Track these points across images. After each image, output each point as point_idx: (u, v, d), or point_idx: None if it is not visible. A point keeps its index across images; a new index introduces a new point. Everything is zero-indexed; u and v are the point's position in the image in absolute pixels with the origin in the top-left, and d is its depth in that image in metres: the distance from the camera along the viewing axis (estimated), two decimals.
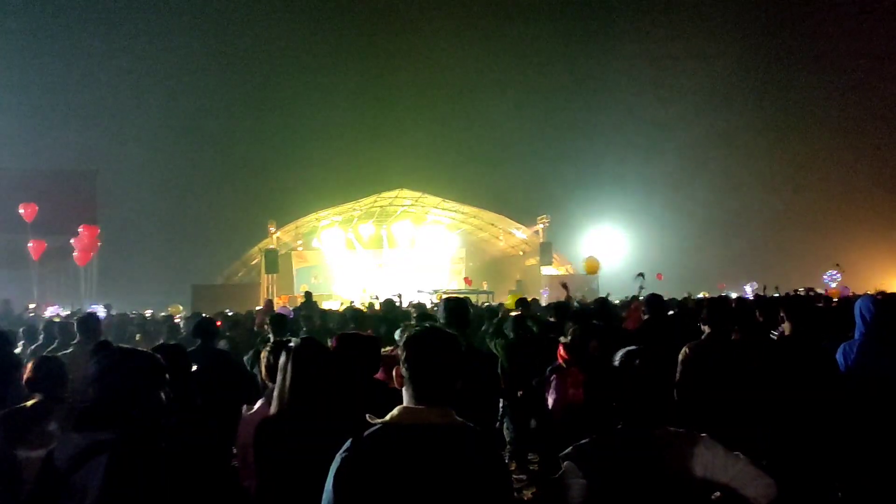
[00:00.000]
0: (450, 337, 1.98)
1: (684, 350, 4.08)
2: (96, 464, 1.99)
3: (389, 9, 27.76)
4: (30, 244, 17.73)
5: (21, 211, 17.92)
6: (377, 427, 1.82)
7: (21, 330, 7.08)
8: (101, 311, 12.63)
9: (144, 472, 2.03)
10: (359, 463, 1.76)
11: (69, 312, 13.91)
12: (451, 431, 1.82)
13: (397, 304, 13.00)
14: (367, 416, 1.86)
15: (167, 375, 2.30)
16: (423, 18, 27.96)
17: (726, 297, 8.22)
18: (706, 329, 4.20)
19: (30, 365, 3.37)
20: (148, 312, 15.17)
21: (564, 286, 8.89)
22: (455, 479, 1.74)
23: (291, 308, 11.63)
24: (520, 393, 5.41)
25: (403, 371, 1.89)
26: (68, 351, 5.16)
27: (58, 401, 3.24)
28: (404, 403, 1.87)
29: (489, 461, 1.82)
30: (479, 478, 1.77)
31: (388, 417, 1.84)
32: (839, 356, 3.80)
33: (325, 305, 15.52)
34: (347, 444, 1.81)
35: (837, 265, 23.30)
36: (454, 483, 1.74)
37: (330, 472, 1.79)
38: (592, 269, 8.52)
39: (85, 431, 2.08)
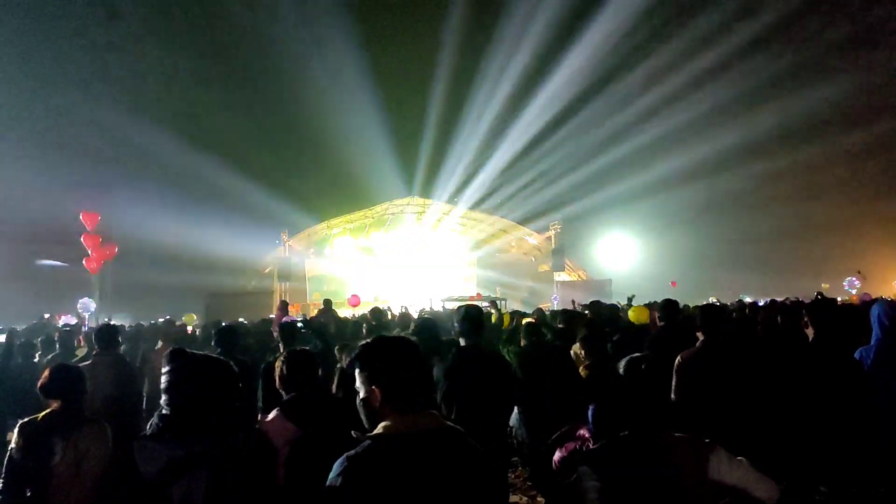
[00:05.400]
0: (409, 341, 1.95)
1: (678, 358, 4.06)
2: (197, 477, 1.96)
3: (400, 16, 27.92)
4: (90, 252, 17.88)
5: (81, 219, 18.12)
6: (369, 442, 1.74)
7: (38, 340, 7.16)
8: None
9: (239, 483, 2.04)
10: (362, 477, 1.68)
11: (74, 322, 14.05)
12: (446, 433, 1.81)
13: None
14: (351, 432, 1.78)
15: (240, 384, 2.26)
16: (433, 24, 28.08)
17: (718, 304, 8.18)
18: (700, 336, 4.19)
19: (46, 371, 3.40)
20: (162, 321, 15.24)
21: (494, 303, 9.73)
22: (459, 479, 1.74)
23: (300, 316, 11.65)
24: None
25: (374, 384, 1.81)
26: (88, 362, 5.20)
27: (73, 410, 3.27)
28: (387, 417, 1.79)
29: (484, 459, 1.82)
30: (482, 475, 1.78)
31: (379, 430, 1.77)
32: None
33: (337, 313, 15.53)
34: (342, 462, 1.71)
35: (859, 272, 23.11)
36: (459, 483, 1.73)
37: (328, 491, 1.69)
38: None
39: (172, 442, 2.02)
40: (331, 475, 1.70)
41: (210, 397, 2.13)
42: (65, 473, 3.05)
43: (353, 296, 20.65)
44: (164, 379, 2.15)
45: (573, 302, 8.62)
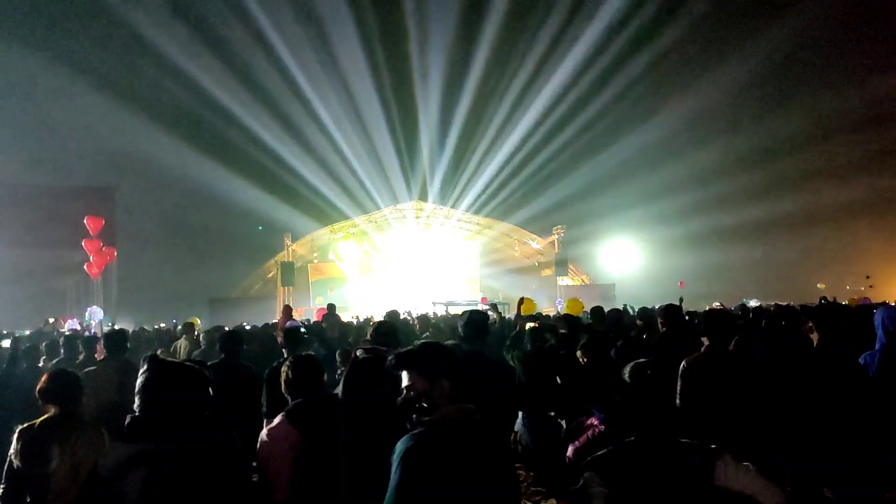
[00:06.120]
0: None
1: (683, 363, 4.04)
2: (137, 475, 2.06)
3: (403, 21, 27.99)
4: (91, 257, 17.82)
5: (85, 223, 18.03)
6: (432, 423, 2.07)
7: (43, 344, 7.16)
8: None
9: (180, 484, 2.09)
10: (429, 450, 1.98)
11: (77, 328, 14.05)
12: (483, 421, 2.18)
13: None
14: (413, 417, 2.10)
15: (211, 390, 2.37)
16: (437, 29, 28.15)
17: (725, 310, 8.15)
18: (705, 341, 4.16)
19: (45, 376, 3.41)
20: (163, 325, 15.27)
21: (494, 306, 9.63)
22: (500, 455, 2.18)
23: (303, 320, 11.67)
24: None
25: (445, 378, 2.14)
26: (93, 368, 5.19)
27: (71, 416, 3.25)
28: (444, 406, 2.11)
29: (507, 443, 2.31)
30: (510, 453, 2.12)
31: (439, 416, 2.09)
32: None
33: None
34: (409, 438, 2.01)
35: (868, 277, 23.07)
36: (500, 458, 2.16)
37: (399, 468, 1.95)
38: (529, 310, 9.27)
39: (128, 442, 2.15)
40: (399, 449, 1.99)
41: (174, 401, 2.24)
42: (62, 479, 3.04)
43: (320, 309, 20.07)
44: (137, 382, 2.27)
45: (494, 306, 8.73)
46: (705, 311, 5.40)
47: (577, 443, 2.81)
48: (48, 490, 3.03)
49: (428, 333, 8.25)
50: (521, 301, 8.59)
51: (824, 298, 11.28)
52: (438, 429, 2.05)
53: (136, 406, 2.25)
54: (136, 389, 2.26)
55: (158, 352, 7.90)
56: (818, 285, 21.75)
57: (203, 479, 2.17)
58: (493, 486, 2.06)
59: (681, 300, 7.67)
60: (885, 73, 28.59)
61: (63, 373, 3.51)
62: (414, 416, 2.10)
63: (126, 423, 2.21)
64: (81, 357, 6.17)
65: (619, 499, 2.07)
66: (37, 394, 3.32)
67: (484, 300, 22.29)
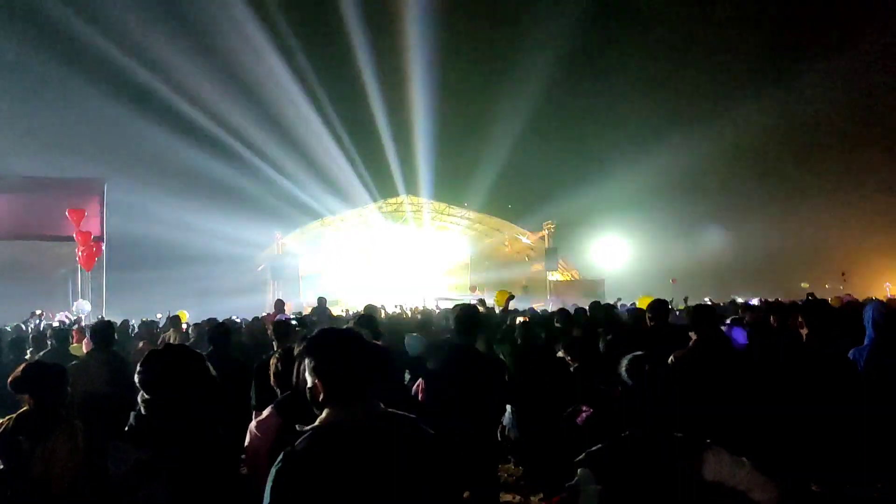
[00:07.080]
0: (354, 333, 1.99)
1: (671, 358, 4.04)
2: (161, 480, 1.94)
3: (393, 15, 27.90)
4: (79, 251, 17.57)
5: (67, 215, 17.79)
6: (307, 435, 1.74)
7: (31, 337, 7.11)
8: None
9: (206, 488, 2.02)
10: (300, 471, 1.67)
11: (67, 321, 13.96)
12: (389, 421, 1.81)
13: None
14: (296, 426, 1.78)
15: (214, 377, 2.21)
16: (426, 24, 28.04)
17: (711, 305, 8.21)
18: (693, 336, 4.17)
19: (20, 367, 3.24)
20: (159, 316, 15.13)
21: (482, 301, 9.66)
22: (400, 464, 1.74)
23: (294, 314, 11.65)
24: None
25: (313, 377, 1.81)
26: (79, 360, 5.15)
27: (46, 410, 3.11)
28: (327, 408, 1.79)
29: (433, 444, 1.83)
30: (426, 459, 1.79)
31: (317, 422, 1.78)
32: None
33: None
34: (281, 457, 1.70)
35: (843, 274, 23.32)
36: (399, 469, 1.73)
37: (269, 490, 1.67)
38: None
39: (142, 443, 2.00)
40: (271, 472, 1.68)
41: (184, 396, 2.09)
42: (36, 476, 2.96)
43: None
44: (137, 378, 2.11)
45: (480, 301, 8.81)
46: (693, 306, 5.43)
47: (572, 421, 2.81)
48: (25, 487, 2.96)
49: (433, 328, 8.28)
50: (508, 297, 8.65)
51: (811, 295, 11.37)
52: (314, 439, 1.72)
53: (141, 401, 2.07)
54: (142, 384, 2.09)
55: (140, 344, 7.86)
56: (802, 284, 21.95)
57: (209, 479, 2.10)
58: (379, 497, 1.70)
59: (686, 300, 7.74)
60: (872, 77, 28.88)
61: (38, 364, 3.34)
62: (297, 426, 1.79)
63: (134, 422, 2.06)
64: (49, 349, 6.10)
65: (614, 494, 2.05)
66: (8, 385, 3.15)
67: (473, 289, 22.30)
